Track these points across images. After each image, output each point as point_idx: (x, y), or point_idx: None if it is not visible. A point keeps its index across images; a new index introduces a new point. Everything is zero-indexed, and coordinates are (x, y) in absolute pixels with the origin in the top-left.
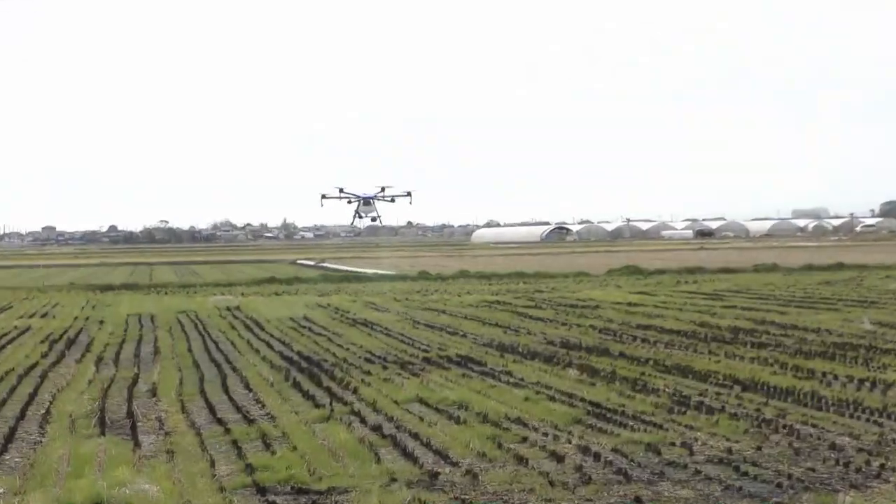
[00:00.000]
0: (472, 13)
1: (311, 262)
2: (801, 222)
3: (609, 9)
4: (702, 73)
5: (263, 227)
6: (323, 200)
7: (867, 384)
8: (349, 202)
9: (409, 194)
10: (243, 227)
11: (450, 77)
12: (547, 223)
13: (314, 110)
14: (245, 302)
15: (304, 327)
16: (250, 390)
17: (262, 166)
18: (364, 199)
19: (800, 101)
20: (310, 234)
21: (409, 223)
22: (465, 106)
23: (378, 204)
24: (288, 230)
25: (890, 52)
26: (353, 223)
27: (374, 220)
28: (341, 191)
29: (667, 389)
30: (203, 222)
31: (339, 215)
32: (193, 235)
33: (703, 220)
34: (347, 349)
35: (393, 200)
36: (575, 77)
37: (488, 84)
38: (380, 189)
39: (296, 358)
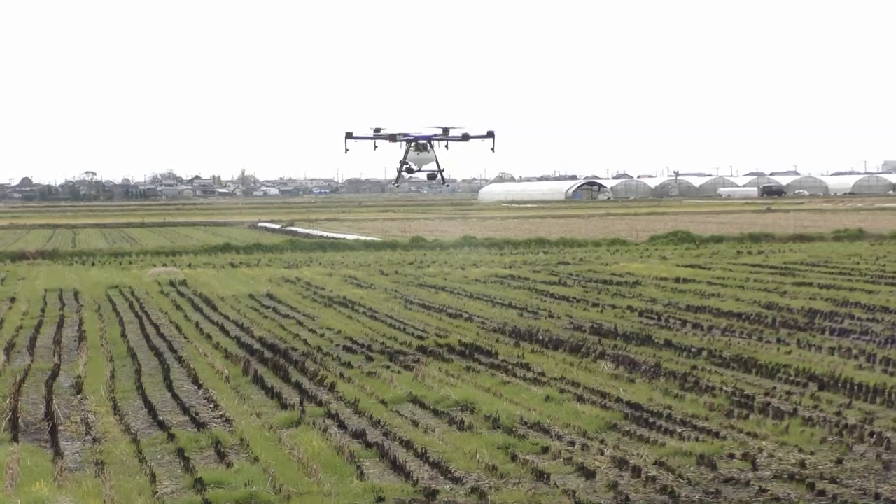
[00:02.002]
0: None
1: (277, 226)
2: (894, 178)
3: None
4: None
5: (216, 180)
6: (349, 143)
7: None
8: (392, 143)
9: (490, 135)
10: (190, 181)
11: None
12: (574, 177)
13: (284, 44)
14: (193, 275)
15: (268, 307)
16: (200, 386)
17: (212, 105)
18: (417, 140)
19: (886, 33)
20: (274, 190)
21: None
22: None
23: (438, 150)
24: (247, 185)
25: None
26: (397, 180)
27: (432, 175)
28: (377, 131)
29: (724, 387)
30: (140, 174)
31: (366, 167)
32: (128, 191)
33: (771, 174)
34: (322, 335)
35: (466, 138)
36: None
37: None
38: (440, 130)
39: (257, 346)
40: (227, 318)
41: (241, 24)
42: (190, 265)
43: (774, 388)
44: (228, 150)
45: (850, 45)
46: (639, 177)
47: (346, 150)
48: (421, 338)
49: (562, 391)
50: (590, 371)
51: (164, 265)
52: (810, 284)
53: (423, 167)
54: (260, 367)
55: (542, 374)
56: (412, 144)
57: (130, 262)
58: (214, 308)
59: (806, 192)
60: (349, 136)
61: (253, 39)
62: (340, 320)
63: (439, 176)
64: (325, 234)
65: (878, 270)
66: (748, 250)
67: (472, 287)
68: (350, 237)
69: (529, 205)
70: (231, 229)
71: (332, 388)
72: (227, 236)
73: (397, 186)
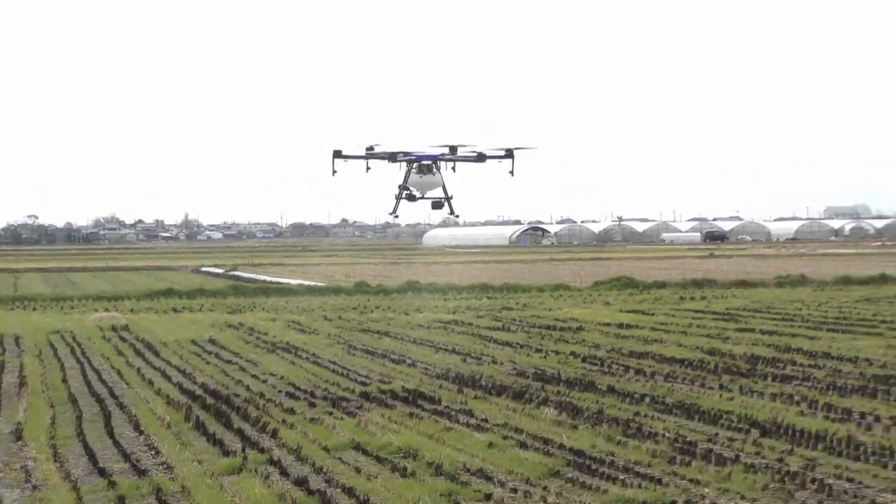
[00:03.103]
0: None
1: (220, 270)
2: (836, 223)
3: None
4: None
5: (159, 224)
6: (337, 163)
7: None
8: (392, 163)
9: (509, 155)
10: (133, 225)
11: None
12: (518, 222)
13: (223, 84)
14: (135, 320)
15: (210, 353)
16: (141, 433)
17: (156, 149)
18: (420, 160)
19: (832, 78)
20: (218, 235)
21: (345, 220)
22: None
23: (445, 173)
24: (190, 229)
25: None
26: (395, 210)
27: (438, 203)
28: (370, 149)
29: (667, 434)
30: (82, 218)
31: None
32: (70, 235)
33: (714, 219)
34: (265, 381)
35: (482, 159)
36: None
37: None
38: (447, 148)
39: (199, 392)
40: (169, 363)
41: (181, 66)
42: (132, 310)
43: (717, 434)
44: (172, 193)
45: (791, 93)
46: (582, 222)
47: (334, 171)
48: (364, 384)
49: (505, 437)
50: (533, 417)
51: (107, 310)
52: (752, 330)
53: (427, 193)
54: (202, 414)
55: (486, 420)
56: (414, 166)
57: (72, 307)
58: (157, 353)
59: (748, 238)
60: (338, 155)
61: (195, 82)
62: (283, 366)
63: (447, 205)
64: (268, 278)
65: (820, 316)
66: (691, 296)
67: (415, 332)
68: (294, 282)
69: (474, 250)
70: (174, 274)
71: (274, 434)
72: (169, 281)
73: (395, 217)
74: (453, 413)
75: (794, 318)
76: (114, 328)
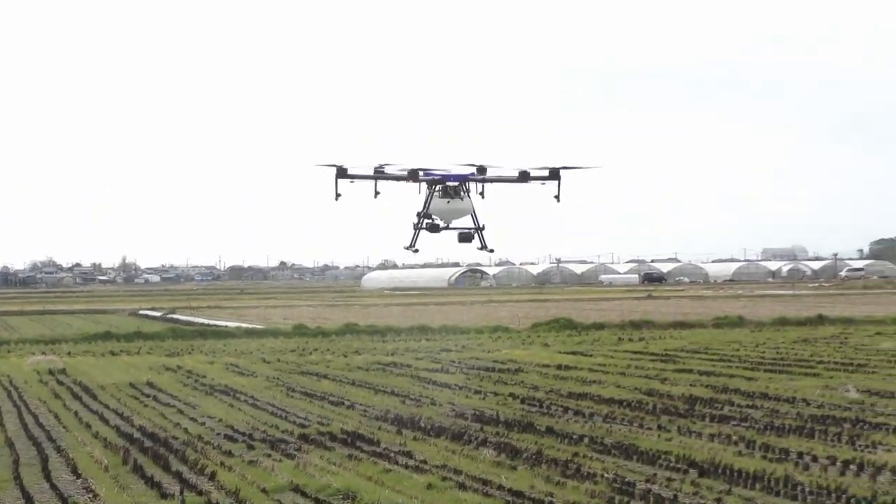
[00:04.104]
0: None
1: (158, 313)
2: (773, 265)
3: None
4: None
5: (97, 267)
6: (341, 183)
7: (853, 467)
8: (412, 182)
9: (554, 176)
10: (71, 269)
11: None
12: (457, 264)
13: (158, 127)
14: (73, 363)
15: (148, 396)
16: (79, 476)
17: (93, 192)
18: (446, 181)
19: (771, 118)
20: (156, 278)
21: (283, 263)
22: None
23: (472, 194)
24: (128, 272)
25: (876, 67)
26: (414, 243)
27: (466, 236)
28: (380, 169)
29: (606, 474)
30: (19, 262)
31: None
32: (6, 278)
33: (652, 261)
34: (203, 424)
35: (525, 179)
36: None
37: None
38: (474, 168)
39: (137, 435)
40: (107, 406)
41: (113, 110)
42: (70, 353)
43: (655, 474)
44: (109, 237)
45: (729, 136)
46: (521, 264)
47: (338, 195)
48: (303, 426)
49: (444, 479)
50: (472, 458)
51: (44, 353)
52: (691, 371)
53: (454, 222)
54: (140, 457)
55: (425, 461)
56: (438, 188)
57: (9, 351)
58: (94, 397)
59: (686, 279)
60: (343, 174)
61: (129, 125)
62: (222, 408)
63: (477, 237)
64: (206, 321)
65: (757, 357)
66: (629, 337)
67: (354, 374)
68: (232, 325)
69: (412, 291)
70: (112, 317)
71: (212, 476)
72: (107, 324)
73: (415, 251)
74: (392, 455)
75: (732, 359)
76: (51, 372)
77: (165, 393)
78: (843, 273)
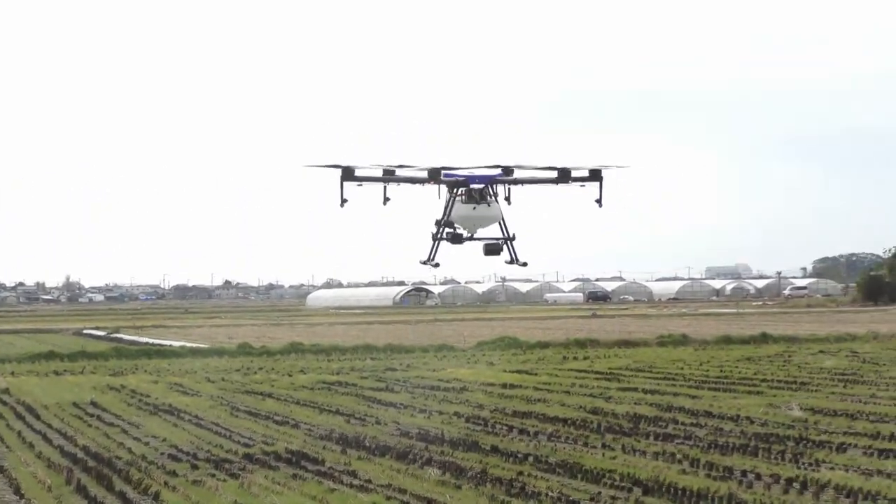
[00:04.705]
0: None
1: (102, 333)
2: (717, 283)
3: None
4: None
5: (40, 287)
6: (347, 185)
7: (796, 485)
8: (431, 184)
9: (595, 177)
10: (14, 288)
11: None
12: (402, 283)
13: (103, 144)
14: (16, 383)
15: (92, 415)
16: (21, 496)
17: (36, 210)
18: (471, 183)
19: (714, 137)
20: (100, 297)
21: (227, 283)
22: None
23: (500, 199)
24: (72, 291)
25: (820, 84)
26: (433, 255)
27: (494, 248)
28: (389, 173)
29: (550, 493)
30: None
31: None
32: None
33: (597, 280)
34: (147, 444)
35: (565, 178)
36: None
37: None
38: (499, 169)
39: (81, 455)
40: (50, 426)
41: (59, 128)
42: (13, 373)
43: (599, 493)
44: (53, 256)
45: (672, 155)
46: (466, 282)
47: (344, 200)
48: (247, 445)
49: (388, 498)
50: (416, 477)
51: None
52: (635, 389)
53: (480, 231)
54: (83, 477)
55: (369, 481)
56: (461, 192)
57: None
58: (38, 417)
59: (631, 298)
60: (349, 175)
61: (72, 142)
62: (166, 428)
63: (507, 249)
64: (151, 341)
65: (701, 375)
66: (574, 356)
67: (299, 394)
68: (176, 344)
69: (357, 310)
70: (55, 336)
71: (156, 497)
72: (51, 343)
73: (435, 266)
74: (337, 474)
75: (676, 378)
76: None
77: (109, 412)
78: (786, 291)
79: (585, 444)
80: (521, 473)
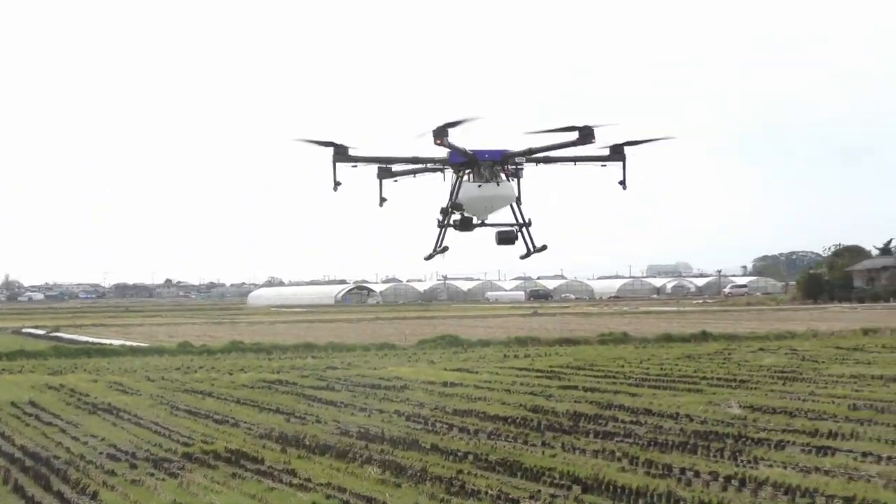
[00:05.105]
0: None
1: (41, 332)
2: (658, 282)
3: None
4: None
5: None
6: (340, 166)
7: (734, 482)
8: (432, 170)
9: (617, 154)
10: None
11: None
12: (343, 282)
13: (39, 141)
14: None
15: (30, 415)
16: None
17: None
18: (478, 160)
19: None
20: (39, 296)
21: (168, 281)
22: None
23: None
24: (11, 290)
25: (758, 82)
26: (439, 246)
27: (507, 236)
28: (386, 164)
29: (490, 491)
30: None
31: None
32: None
33: (539, 278)
34: (85, 443)
35: (587, 141)
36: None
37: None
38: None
39: (18, 454)
40: None
41: None
42: None
43: (539, 491)
44: None
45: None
46: (408, 281)
47: (337, 184)
48: (187, 444)
49: (328, 497)
50: (356, 476)
51: None
52: (575, 387)
53: (491, 214)
54: (20, 476)
55: (309, 479)
56: (468, 172)
57: None
58: None
59: (572, 296)
60: (342, 156)
61: (5, 139)
62: (105, 427)
63: (522, 237)
64: (90, 339)
65: (641, 373)
66: (515, 354)
67: (239, 392)
68: (116, 343)
69: (299, 309)
70: None
71: (94, 496)
72: None
73: (443, 250)
74: (276, 473)
75: (617, 376)
76: None
77: (48, 412)
78: (726, 289)
79: (525, 443)
80: (460, 472)
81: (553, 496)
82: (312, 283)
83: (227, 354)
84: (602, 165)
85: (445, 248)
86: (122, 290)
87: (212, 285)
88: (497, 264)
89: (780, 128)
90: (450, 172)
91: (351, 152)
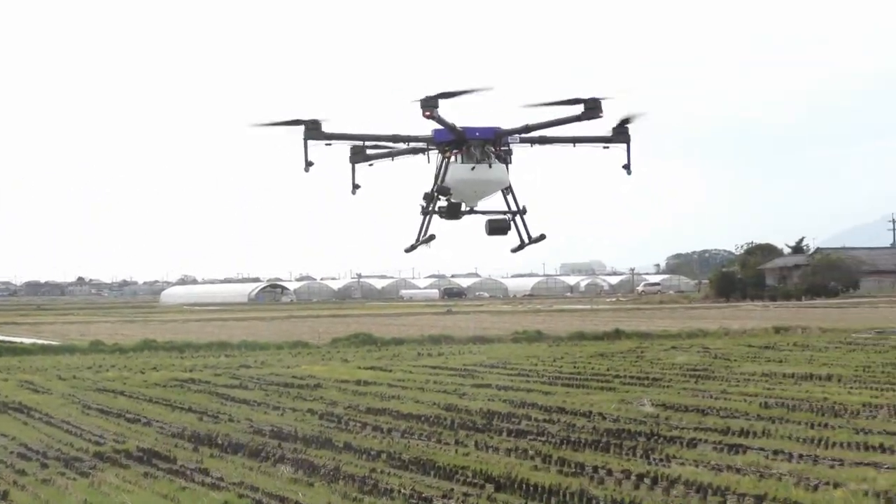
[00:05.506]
0: None
1: None
2: (572, 280)
3: None
4: None
5: None
6: (312, 151)
7: (647, 480)
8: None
9: (622, 134)
10: None
11: None
12: (257, 280)
13: None
14: None
15: None
16: None
17: None
18: (468, 139)
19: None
20: None
21: (81, 279)
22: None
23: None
24: None
25: (673, 82)
26: (422, 235)
27: (499, 225)
28: (360, 152)
29: (403, 490)
30: None
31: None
32: None
33: (452, 276)
34: None
35: (594, 115)
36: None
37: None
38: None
39: None
40: None
41: None
42: None
43: (452, 489)
44: None
45: (523, 153)
46: (322, 279)
47: (309, 164)
48: (98, 444)
49: (241, 496)
50: (269, 475)
51: None
52: (489, 386)
53: (483, 197)
54: None
55: (221, 478)
56: (456, 153)
57: None
58: None
59: (486, 294)
60: (314, 132)
61: None
62: (15, 427)
63: (516, 226)
64: (1, 338)
65: (555, 372)
66: (429, 352)
67: (151, 391)
68: (27, 341)
69: (212, 307)
70: None
71: (5, 496)
72: None
73: (430, 238)
74: (189, 472)
75: (530, 374)
76: None
77: None
78: (639, 288)
79: (439, 441)
80: (373, 470)
81: (466, 495)
82: (226, 281)
83: (140, 353)
84: (604, 147)
85: (432, 237)
86: (34, 287)
87: (124, 283)
88: (411, 262)
89: (692, 126)
90: (434, 154)
91: (325, 128)
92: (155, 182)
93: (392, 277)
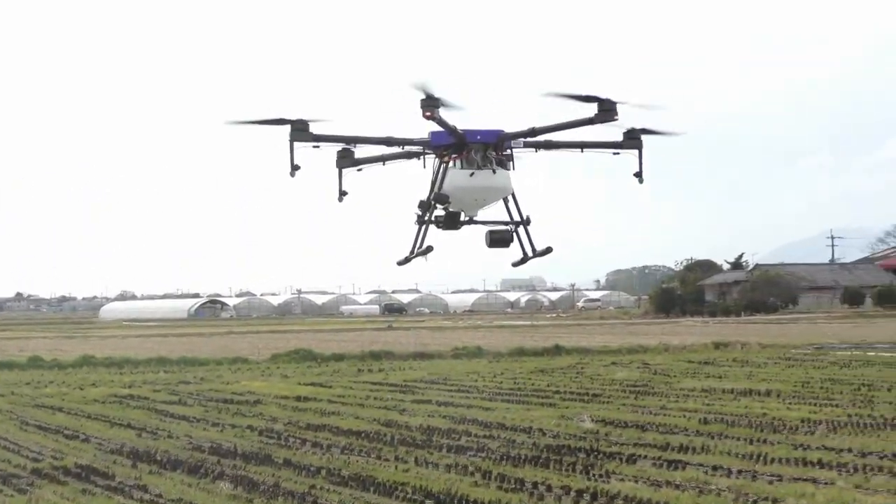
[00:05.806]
0: None
1: None
2: (512, 295)
3: None
4: None
5: None
6: (299, 153)
7: (587, 496)
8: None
9: (633, 140)
10: None
11: None
12: (197, 295)
13: None
14: None
15: None
16: None
17: None
18: (469, 143)
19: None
20: None
21: (19, 294)
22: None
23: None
24: None
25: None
26: (418, 246)
27: (501, 236)
28: (348, 157)
29: None
30: None
31: None
32: None
33: (393, 292)
34: None
35: (608, 118)
36: None
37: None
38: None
39: None
40: None
41: None
42: None
43: None
44: None
45: None
46: (262, 295)
47: (295, 168)
48: (36, 460)
49: None
50: (208, 492)
51: None
52: (429, 402)
53: (484, 206)
54: None
55: (160, 495)
56: (456, 158)
57: None
58: None
59: (427, 310)
60: (300, 133)
61: None
62: None
63: (520, 235)
64: None
65: (495, 387)
66: (369, 368)
67: (90, 408)
68: None
69: (151, 323)
70: None
71: None
72: None
73: (427, 250)
74: (127, 489)
75: (470, 390)
76: None
77: None
78: (580, 303)
79: (379, 457)
80: (313, 487)
81: None
82: (166, 296)
83: (79, 369)
84: (615, 153)
85: (429, 248)
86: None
87: (63, 299)
88: (352, 278)
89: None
90: (430, 158)
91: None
92: (93, 196)
93: (332, 293)
